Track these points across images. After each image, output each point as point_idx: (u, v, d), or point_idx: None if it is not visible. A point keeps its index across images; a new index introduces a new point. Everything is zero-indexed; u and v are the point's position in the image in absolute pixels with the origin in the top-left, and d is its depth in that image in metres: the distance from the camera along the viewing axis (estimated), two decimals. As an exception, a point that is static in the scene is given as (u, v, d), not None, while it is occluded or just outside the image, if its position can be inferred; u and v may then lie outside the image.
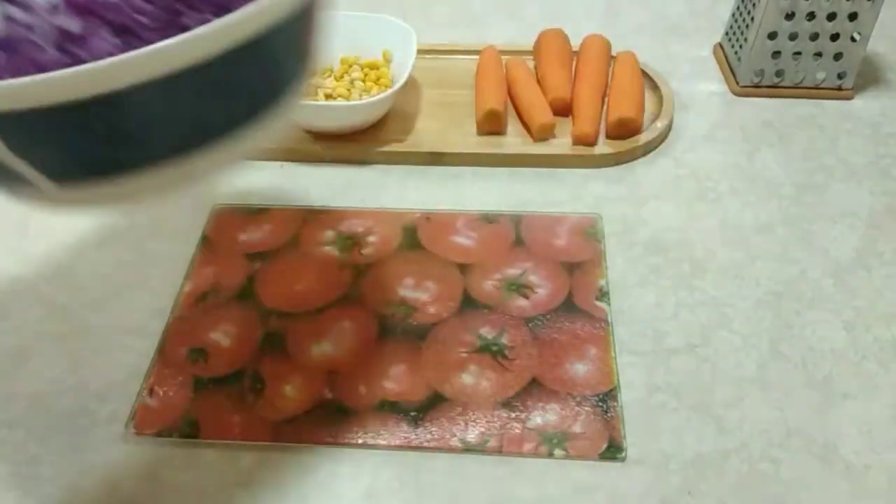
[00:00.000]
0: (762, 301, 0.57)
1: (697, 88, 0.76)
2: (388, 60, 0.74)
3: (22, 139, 0.33)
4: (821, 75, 0.74)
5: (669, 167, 0.68)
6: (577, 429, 0.50)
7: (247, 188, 0.67)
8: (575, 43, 0.77)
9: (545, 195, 0.66)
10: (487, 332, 0.56)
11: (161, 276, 0.60)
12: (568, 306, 0.57)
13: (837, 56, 0.72)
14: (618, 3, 0.88)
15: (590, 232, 0.62)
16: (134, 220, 0.65)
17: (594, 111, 0.70)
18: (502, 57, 0.76)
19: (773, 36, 0.71)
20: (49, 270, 0.61)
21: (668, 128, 0.71)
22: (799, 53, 0.73)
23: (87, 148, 0.34)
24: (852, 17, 0.70)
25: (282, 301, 0.58)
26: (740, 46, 0.75)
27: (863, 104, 0.74)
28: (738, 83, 0.76)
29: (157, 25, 0.37)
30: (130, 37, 0.36)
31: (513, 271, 0.60)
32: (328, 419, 0.51)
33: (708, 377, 0.53)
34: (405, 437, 0.50)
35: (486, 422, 0.51)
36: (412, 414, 0.51)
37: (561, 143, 0.69)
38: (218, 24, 0.32)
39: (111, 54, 0.32)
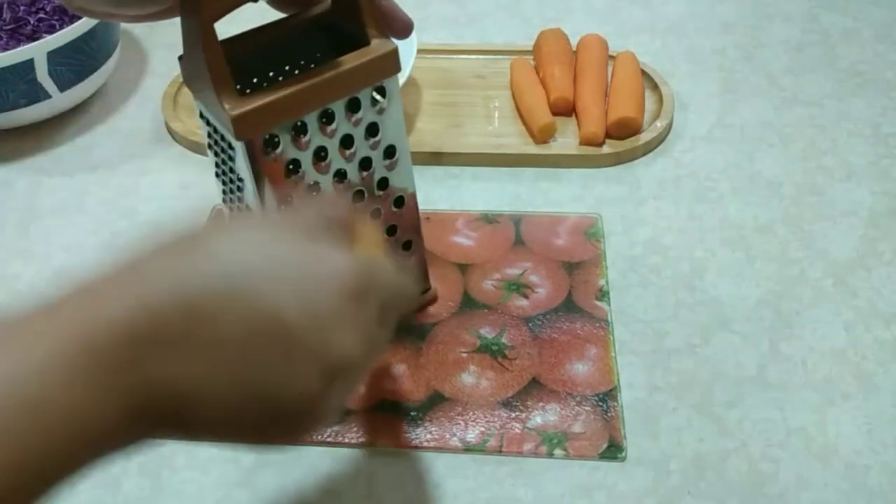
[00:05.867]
0: (762, 301, 0.57)
1: (697, 88, 0.76)
2: (388, 60, 0.74)
3: None
4: None
5: (669, 167, 0.68)
6: (577, 429, 0.50)
7: (247, 188, 0.67)
8: (575, 43, 0.77)
9: (545, 195, 0.66)
10: (487, 332, 0.56)
11: (161, 276, 0.60)
12: (568, 306, 0.57)
13: None
14: (618, 3, 0.88)
15: (590, 232, 0.62)
16: (134, 220, 0.65)
17: (599, 111, 0.69)
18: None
19: None
20: (49, 270, 0.61)
21: (668, 128, 0.71)
22: None
23: None
24: None
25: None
26: None
27: (863, 104, 0.74)
28: None
29: None
30: None
31: (513, 271, 0.60)
32: (328, 419, 0.51)
33: (708, 377, 0.53)
34: (405, 437, 0.50)
35: (486, 421, 0.51)
36: (412, 414, 0.51)
37: (561, 144, 0.69)
38: None
39: None
